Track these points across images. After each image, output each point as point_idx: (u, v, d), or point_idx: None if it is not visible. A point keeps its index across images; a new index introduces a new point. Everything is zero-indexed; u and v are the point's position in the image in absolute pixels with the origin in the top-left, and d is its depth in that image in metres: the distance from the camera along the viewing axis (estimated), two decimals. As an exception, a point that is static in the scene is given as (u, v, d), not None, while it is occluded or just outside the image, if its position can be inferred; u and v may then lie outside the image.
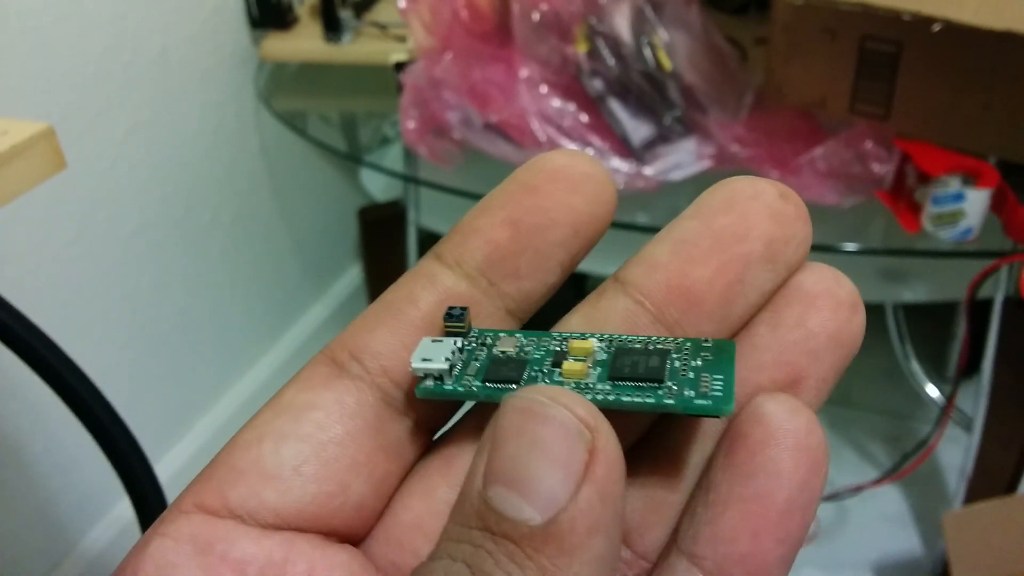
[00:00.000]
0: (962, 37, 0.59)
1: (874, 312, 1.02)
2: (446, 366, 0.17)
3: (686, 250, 0.18)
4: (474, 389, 0.17)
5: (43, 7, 0.74)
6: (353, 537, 0.17)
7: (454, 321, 0.18)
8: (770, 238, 0.17)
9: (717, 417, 0.16)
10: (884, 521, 0.91)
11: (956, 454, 0.83)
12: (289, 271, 1.16)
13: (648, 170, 0.70)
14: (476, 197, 0.81)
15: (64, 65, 0.77)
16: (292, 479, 0.17)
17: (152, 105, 0.88)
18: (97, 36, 0.80)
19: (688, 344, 0.17)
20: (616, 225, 0.72)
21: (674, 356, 0.17)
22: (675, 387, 0.16)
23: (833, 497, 0.87)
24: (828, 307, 0.17)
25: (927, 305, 0.85)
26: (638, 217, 0.75)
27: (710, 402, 0.16)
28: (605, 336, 0.18)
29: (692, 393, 0.16)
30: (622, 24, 0.71)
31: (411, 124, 0.77)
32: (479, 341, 0.18)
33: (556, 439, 0.14)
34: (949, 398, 0.74)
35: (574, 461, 0.14)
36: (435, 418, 0.19)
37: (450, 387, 0.17)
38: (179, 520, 0.16)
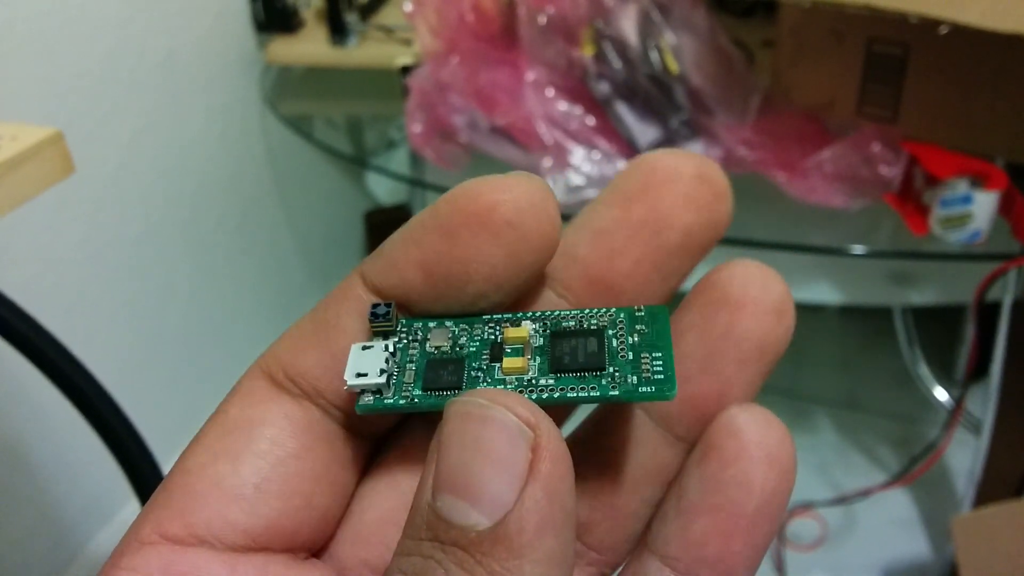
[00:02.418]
0: (969, 39, 0.58)
1: (882, 315, 1.02)
2: (383, 379, 0.16)
3: (604, 242, 0.18)
4: (416, 400, 0.17)
5: (49, 11, 0.74)
6: (316, 545, 0.17)
7: (380, 321, 0.17)
8: (687, 227, 0.17)
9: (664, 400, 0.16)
10: (892, 525, 0.91)
11: (965, 457, 0.82)
12: (295, 274, 1.16)
13: (654, 173, 0.70)
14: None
15: (70, 69, 0.78)
16: (256, 497, 0.16)
17: (158, 109, 0.88)
18: (103, 40, 0.81)
19: (622, 316, 0.17)
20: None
21: (610, 333, 0.17)
22: (618, 373, 0.16)
23: (841, 501, 0.86)
24: (756, 314, 0.17)
25: (935, 308, 0.85)
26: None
27: (653, 388, 0.16)
28: (537, 315, 0.17)
29: (635, 379, 0.16)
30: (628, 27, 0.71)
31: (417, 127, 0.77)
32: (410, 336, 0.17)
33: (498, 440, 0.14)
34: (958, 401, 0.74)
35: (517, 461, 0.14)
36: (381, 425, 0.18)
37: (391, 401, 0.17)
38: (144, 552, 0.16)
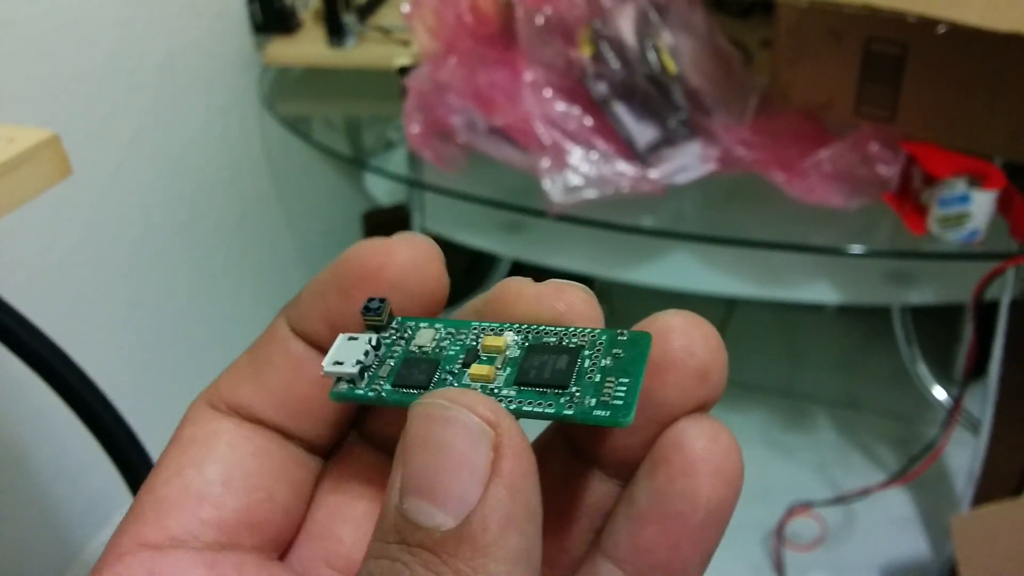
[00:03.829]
0: (967, 39, 0.59)
1: (881, 314, 1.02)
2: (356, 370, 0.17)
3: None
4: (383, 395, 0.17)
5: (48, 13, 0.74)
6: (282, 544, 0.18)
7: (371, 315, 0.17)
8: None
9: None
10: (891, 524, 0.91)
11: (964, 456, 0.83)
12: (293, 275, 1.16)
13: (653, 173, 0.70)
14: (480, 201, 0.80)
15: (69, 70, 0.78)
16: (224, 493, 0.17)
17: (157, 110, 0.88)
18: (102, 41, 0.81)
19: (603, 338, 0.17)
20: (623, 229, 0.72)
21: (586, 353, 0.17)
22: (578, 394, 0.16)
23: (840, 500, 0.86)
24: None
25: (934, 307, 0.85)
26: (643, 220, 0.75)
27: (608, 413, 0.16)
28: (523, 328, 0.17)
29: (593, 402, 0.16)
30: (626, 27, 0.71)
31: (415, 128, 0.77)
32: (399, 333, 0.18)
33: (459, 441, 0.14)
34: (956, 400, 0.74)
35: (479, 460, 0.14)
36: (327, 436, 0.19)
37: (361, 392, 0.17)
38: (125, 561, 0.16)
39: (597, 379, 0.16)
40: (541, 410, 0.16)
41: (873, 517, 0.91)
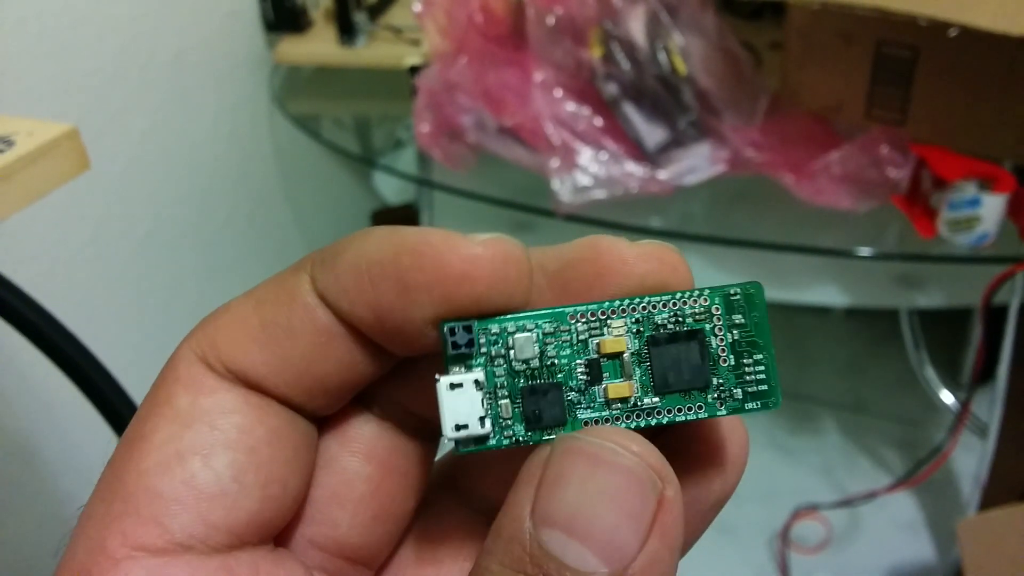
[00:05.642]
0: (979, 42, 0.58)
1: (889, 318, 1.02)
2: (485, 431, 0.16)
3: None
4: (521, 439, 0.16)
5: (61, 10, 0.75)
6: (283, 528, 0.17)
7: (462, 350, 0.16)
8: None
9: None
10: (898, 528, 0.91)
11: (971, 461, 0.82)
12: (302, 273, 1.17)
13: (662, 174, 0.70)
14: (489, 201, 0.80)
15: (81, 67, 0.78)
16: (236, 493, 0.15)
17: (168, 107, 0.89)
18: (114, 38, 0.81)
19: (717, 302, 0.16)
20: (631, 229, 0.72)
21: (708, 329, 0.16)
22: (723, 387, 0.16)
23: (846, 503, 0.86)
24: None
25: (942, 311, 0.85)
26: (652, 221, 0.75)
27: (759, 404, 0.16)
28: (625, 306, 0.16)
29: (739, 392, 0.16)
30: (637, 28, 0.71)
31: (425, 127, 0.78)
32: (491, 351, 0.16)
33: (626, 489, 0.14)
34: (964, 404, 0.74)
35: (645, 512, 0.14)
36: (327, 404, 0.17)
37: (494, 442, 0.16)
38: (122, 568, 0.15)
39: (732, 361, 0.16)
40: (693, 416, 0.16)
41: (879, 521, 0.91)
